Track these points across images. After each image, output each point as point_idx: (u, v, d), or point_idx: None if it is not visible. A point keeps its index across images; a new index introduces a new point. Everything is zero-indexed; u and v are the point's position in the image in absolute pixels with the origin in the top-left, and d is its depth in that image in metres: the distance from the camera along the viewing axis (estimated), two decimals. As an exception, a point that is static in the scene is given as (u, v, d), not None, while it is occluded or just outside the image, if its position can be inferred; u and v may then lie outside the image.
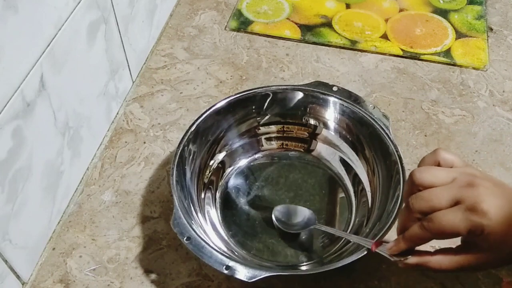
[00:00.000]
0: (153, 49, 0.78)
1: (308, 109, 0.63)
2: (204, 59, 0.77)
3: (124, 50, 0.68)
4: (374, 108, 0.59)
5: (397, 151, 0.55)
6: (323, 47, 0.79)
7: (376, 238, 0.49)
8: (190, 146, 0.58)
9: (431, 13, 0.84)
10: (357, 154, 0.61)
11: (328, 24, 0.82)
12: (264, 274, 0.47)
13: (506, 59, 0.77)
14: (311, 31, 0.81)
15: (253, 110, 0.63)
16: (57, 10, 0.52)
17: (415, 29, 0.81)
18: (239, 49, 0.78)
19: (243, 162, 0.64)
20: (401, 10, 0.84)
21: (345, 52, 0.78)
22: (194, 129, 0.58)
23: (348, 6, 0.85)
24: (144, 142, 0.67)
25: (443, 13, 0.84)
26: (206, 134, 0.60)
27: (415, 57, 0.77)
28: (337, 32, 0.80)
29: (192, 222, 0.51)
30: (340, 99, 0.61)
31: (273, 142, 0.65)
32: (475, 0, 0.86)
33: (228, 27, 0.82)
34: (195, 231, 0.50)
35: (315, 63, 0.77)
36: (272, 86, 0.63)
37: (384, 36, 0.80)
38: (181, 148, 0.56)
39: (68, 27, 0.54)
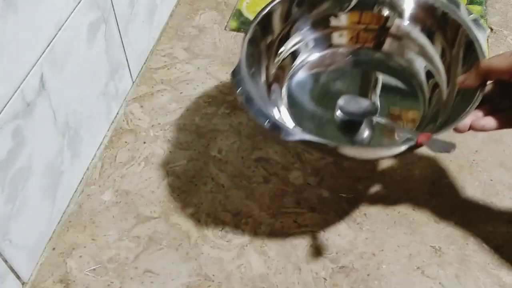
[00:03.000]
0: (153, 49, 0.78)
1: None
2: (204, 59, 0.77)
3: (124, 50, 0.68)
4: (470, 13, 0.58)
5: (479, 44, 0.54)
6: (323, 47, 0.79)
7: (438, 132, 0.48)
8: (263, 29, 0.58)
9: (431, 13, 0.84)
10: (432, 44, 0.61)
11: (328, 24, 0.82)
12: (302, 137, 0.47)
13: (506, 59, 0.77)
14: (311, 31, 0.81)
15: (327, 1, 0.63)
16: (57, 10, 0.52)
17: (415, 29, 0.81)
18: (239, 49, 0.78)
19: (312, 56, 0.64)
20: (401, 10, 0.84)
21: (345, 52, 0.78)
22: (266, 12, 0.58)
23: (348, 6, 0.85)
24: (144, 142, 0.67)
25: (443, 13, 0.84)
26: (278, 20, 0.60)
27: (415, 57, 0.77)
28: (337, 32, 0.80)
29: (252, 81, 0.52)
30: None
31: (343, 37, 0.65)
32: (475, 0, 0.86)
33: (228, 27, 0.82)
34: (250, 88, 0.51)
35: (315, 63, 0.77)
36: None
37: (384, 36, 0.80)
38: (254, 25, 0.57)
39: (68, 27, 0.54)
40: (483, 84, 0.50)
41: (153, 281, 0.55)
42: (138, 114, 0.70)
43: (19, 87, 0.48)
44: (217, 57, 0.77)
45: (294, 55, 0.64)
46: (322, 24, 0.64)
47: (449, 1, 0.59)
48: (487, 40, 0.79)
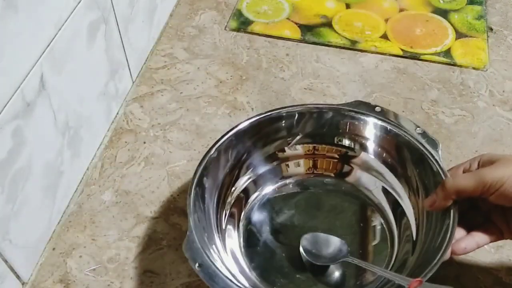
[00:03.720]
0: (153, 49, 0.78)
1: (341, 129, 0.58)
2: (204, 59, 0.77)
3: (124, 50, 0.68)
4: (422, 131, 0.54)
5: (445, 175, 0.50)
6: (323, 47, 0.79)
7: (423, 275, 0.43)
8: (210, 170, 0.53)
9: (431, 13, 0.84)
10: (397, 178, 0.56)
11: (328, 24, 0.82)
12: None
13: (506, 59, 0.77)
14: (311, 31, 0.81)
15: (279, 132, 0.58)
16: (57, 10, 0.52)
17: (415, 29, 0.81)
18: (239, 49, 0.78)
19: (268, 189, 0.59)
20: (401, 10, 0.84)
21: (345, 52, 0.78)
22: (213, 153, 0.53)
23: (348, 6, 0.85)
24: (144, 142, 0.67)
25: (443, 13, 0.84)
26: (226, 159, 0.55)
27: (415, 57, 0.77)
28: (337, 32, 0.80)
29: (208, 248, 0.47)
30: (379, 119, 0.56)
31: (301, 167, 0.60)
32: (475, 0, 0.86)
33: (228, 27, 0.82)
34: (209, 258, 0.45)
35: (315, 63, 0.77)
36: (304, 105, 0.58)
37: (384, 36, 0.80)
38: (198, 173, 0.51)
39: (68, 27, 0.54)
40: (454, 204, 0.48)
41: (153, 281, 0.55)
42: (138, 114, 0.70)
43: (19, 87, 0.47)
44: (217, 57, 0.77)
45: (246, 194, 0.57)
46: (272, 157, 0.59)
47: (392, 119, 0.56)
48: (487, 39, 0.79)
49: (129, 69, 0.71)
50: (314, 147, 0.59)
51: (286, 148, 0.59)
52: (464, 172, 0.49)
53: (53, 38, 0.52)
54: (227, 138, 0.55)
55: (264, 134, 0.58)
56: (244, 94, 0.72)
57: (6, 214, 0.49)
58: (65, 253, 0.57)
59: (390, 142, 0.56)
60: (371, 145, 0.57)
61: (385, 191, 0.57)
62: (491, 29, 0.81)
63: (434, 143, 0.53)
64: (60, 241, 0.58)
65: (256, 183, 0.58)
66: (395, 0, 0.86)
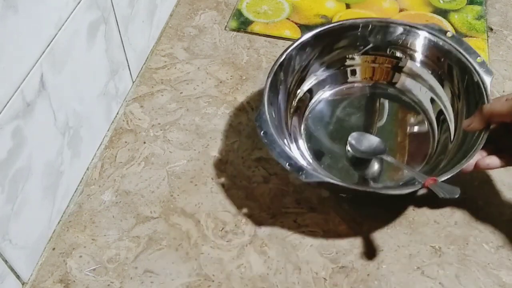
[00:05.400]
0: (153, 49, 0.78)
1: (394, 41, 0.66)
2: (204, 59, 0.77)
3: (124, 50, 0.68)
4: (482, 61, 0.60)
5: (485, 88, 0.57)
6: (323, 47, 0.79)
7: (445, 174, 0.51)
8: (285, 66, 0.62)
9: (431, 13, 0.84)
10: (442, 87, 0.64)
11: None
12: (317, 179, 0.52)
13: (506, 59, 0.77)
14: (311, 31, 0.81)
15: (342, 42, 0.67)
16: (57, 10, 0.52)
17: (415, 29, 0.81)
18: (239, 49, 0.78)
19: (328, 93, 0.69)
20: (401, 10, 0.84)
21: (345, 52, 0.78)
22: (285, 57, 0.62)
23: (348, 6, 0.85)
24: (144, 142, 0.67)
25: (443, 13, 0.84)
26: (294, 63, 0.64)
27: (415, 57, 0.77)
28: (337, 32, 0.80)
29: (275, 123, 0.57)
30: (429, 32, 0.64)
31: (357, 74, 0.69)
32: (475, 0, 0.86)
33: (228, 27, 0.82)
34: (273, 128, 0.56)
35: (315, 63, 0.77)
36: (360, 19, 0.67)
37: (384, 36, 0.80)
38: (274, 71, 0.61)
39: (68, 27, 0.54)
40: (487, 127, 0.54)
41: (153, 281, 0.55)
42: (138, 114, 0.70)
43: (19, 87, 0.48)
44: (217, 57, 0.77)
45: (311, 92, 0.68)
46: (337, 63, 0.68)
47: (458, 43, 0.62)
48: (487, 40, 0.79)
49: (129, 69, 0.71)
50: (368, 57, 0.69)
51: (353, 56, 0.68)
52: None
53: (53, 38, 0.52)
54: (303, 41, 0.65)
55: (330, 42, 0.67)
56: (244, 94, 0.72)
57: (6, 214, 0.49)
58: (65, 253, 0.57)
59: (435, 51, 0.65)
60: (418, 55, 0.66)
61: (432, 100, 0.66)
62: (491, 29, 0.81)
63: (489, 72, 0.59)
64: (60, 241, 0.58)
65: (318, 86, 0.68)
66: (395, 0, 0.86)
